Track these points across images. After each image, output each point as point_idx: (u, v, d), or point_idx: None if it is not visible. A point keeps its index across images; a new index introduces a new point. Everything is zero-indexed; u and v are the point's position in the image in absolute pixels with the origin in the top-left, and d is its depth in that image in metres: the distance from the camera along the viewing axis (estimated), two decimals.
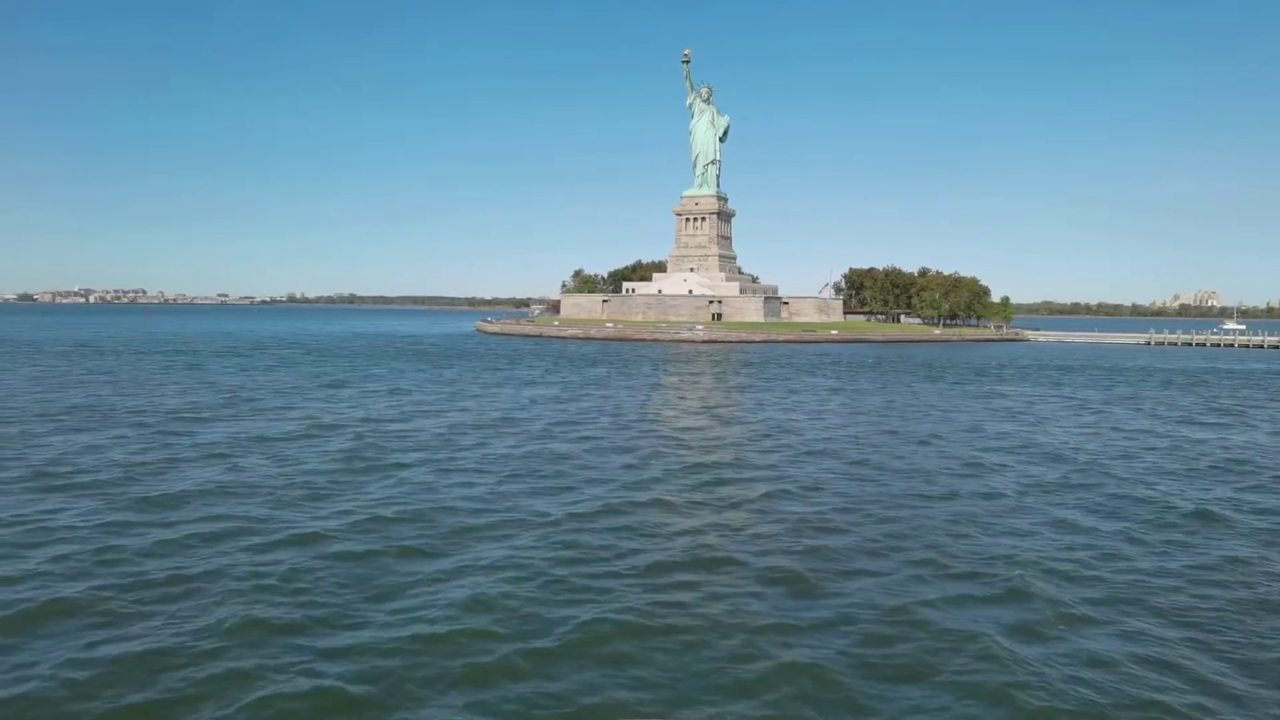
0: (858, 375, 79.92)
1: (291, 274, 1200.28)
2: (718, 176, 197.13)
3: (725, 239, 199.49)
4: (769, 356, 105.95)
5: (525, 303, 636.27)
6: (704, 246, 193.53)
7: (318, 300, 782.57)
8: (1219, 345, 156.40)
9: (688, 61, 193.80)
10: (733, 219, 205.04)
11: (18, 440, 35.34)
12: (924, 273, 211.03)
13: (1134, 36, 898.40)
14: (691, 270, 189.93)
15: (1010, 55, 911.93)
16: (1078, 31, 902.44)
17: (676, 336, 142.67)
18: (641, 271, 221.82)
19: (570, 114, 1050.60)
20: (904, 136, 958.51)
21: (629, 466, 32.37)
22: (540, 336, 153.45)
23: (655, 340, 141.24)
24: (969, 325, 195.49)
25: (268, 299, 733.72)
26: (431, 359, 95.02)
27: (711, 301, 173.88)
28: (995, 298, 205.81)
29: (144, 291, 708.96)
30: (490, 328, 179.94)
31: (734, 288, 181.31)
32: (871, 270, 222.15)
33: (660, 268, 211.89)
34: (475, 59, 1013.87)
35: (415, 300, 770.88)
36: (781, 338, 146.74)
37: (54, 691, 13.29)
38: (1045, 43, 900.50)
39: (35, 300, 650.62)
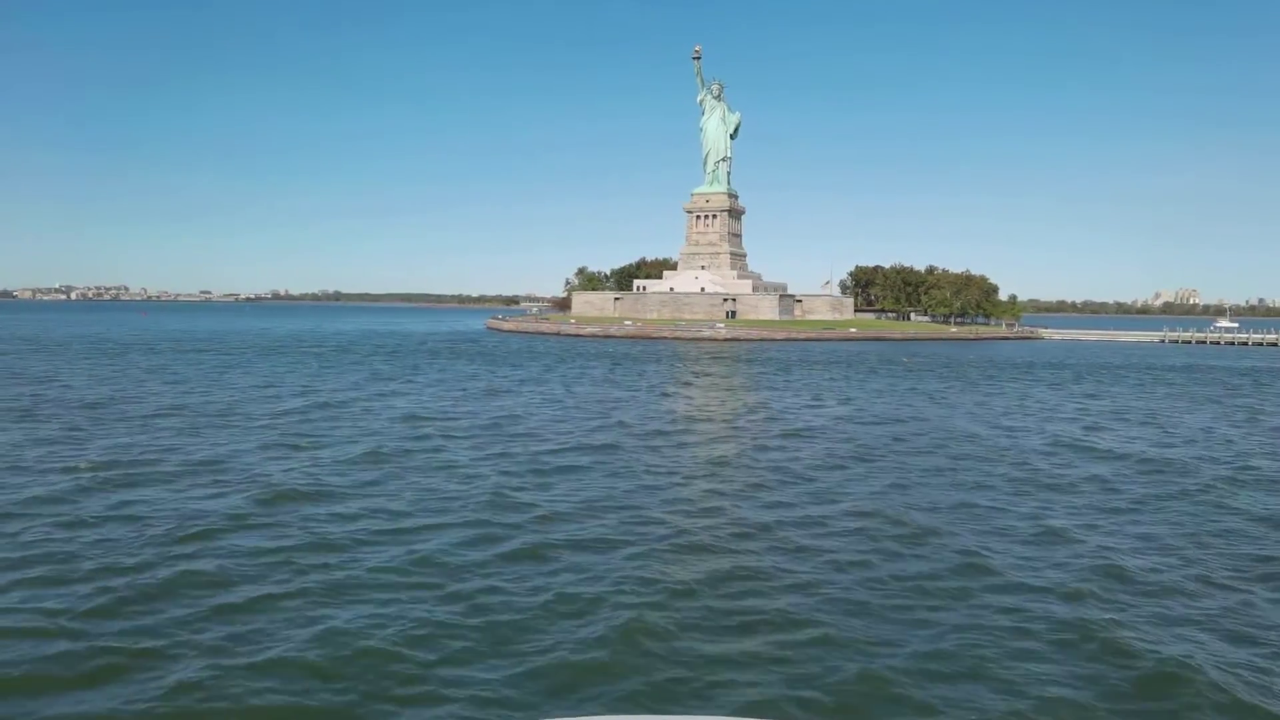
0: (919, 373, 79.44)
1: (275, 271, 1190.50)
2: (728, 174, 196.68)
3: (736, 236, 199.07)
4: (806, 355, 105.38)
5: (514, 300, 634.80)
6: (715, 244, 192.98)
7: (302, 297, 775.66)
8: (1233, 344, 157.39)
9: (698, 58, 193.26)
10: (742, 216, 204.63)
11: (147, 438, 34.02)
12: (931, 270, 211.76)
13: (1117, 33, 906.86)
14: (703, 268, 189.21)
15: (993, 52, 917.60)
16: (1060, 27, 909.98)
17: (698, 335, 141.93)
18: (646, 269, 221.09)
19: (560, 111, 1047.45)
20: (892, 134, 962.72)
21: (794, 468, 31.53)
22: (559, 335, 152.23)
23: (676, 338, 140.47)
24: (978, 323, 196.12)
25: (252, 296, 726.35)
26: (485, 358, 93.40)
27: (726, 299, 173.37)
28: (1001, 296, 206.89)
29: (126, 288, 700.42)
30: (505, 325, 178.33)
31: (746, 285, 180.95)
32: (878, 268, 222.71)
33: (665, 265, 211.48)
34: (464, 56, 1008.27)
35: (401, 298, 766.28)
36: (802, 335, 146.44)
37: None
38: (1025, 40, 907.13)
39: (15, 297, 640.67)
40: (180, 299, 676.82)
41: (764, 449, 35.72)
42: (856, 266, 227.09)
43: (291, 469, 29.13)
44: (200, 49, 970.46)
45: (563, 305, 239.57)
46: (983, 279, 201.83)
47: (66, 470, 28.05)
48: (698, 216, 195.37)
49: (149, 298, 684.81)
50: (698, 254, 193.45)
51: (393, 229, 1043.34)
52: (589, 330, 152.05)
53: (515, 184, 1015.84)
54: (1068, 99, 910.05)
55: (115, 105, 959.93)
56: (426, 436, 36.85)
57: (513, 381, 64.95)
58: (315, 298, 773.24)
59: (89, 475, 27.13)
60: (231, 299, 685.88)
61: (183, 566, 18.26)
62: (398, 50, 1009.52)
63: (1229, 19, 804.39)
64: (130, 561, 18.61)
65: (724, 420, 45.00)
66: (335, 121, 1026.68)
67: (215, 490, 25.80)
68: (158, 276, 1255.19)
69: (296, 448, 33.70)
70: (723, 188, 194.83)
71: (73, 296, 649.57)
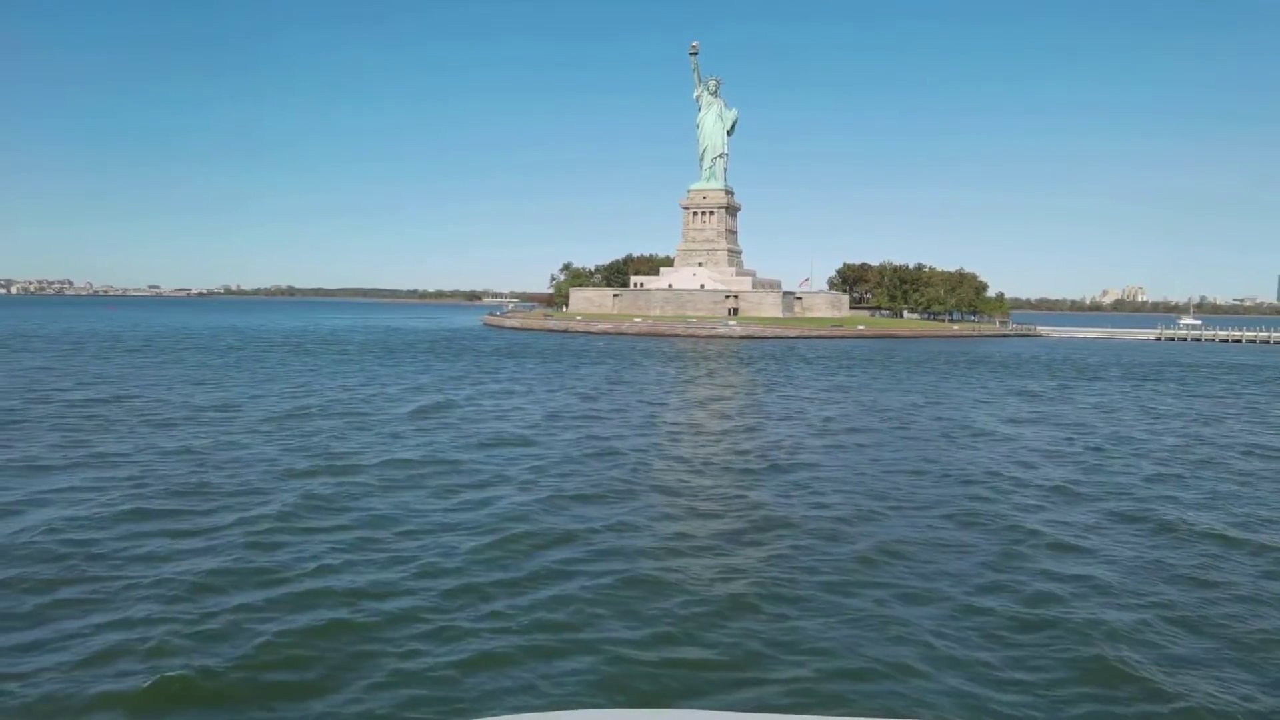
0: (986, 373, 79.11)
1: (224, 265, 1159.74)
2: (725, 170, 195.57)
3: (732, 233, 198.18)
4: (844, 352, 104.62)
5: (475, 295, 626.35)
6: (712, 241, 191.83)
7: (255, 292, 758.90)
8: (1227, 341, 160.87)
9: (695, 54, 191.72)
10: (738, 213, 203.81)
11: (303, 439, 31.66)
12: (921, 268, 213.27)
13: (1073, 26, 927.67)
14: (700, 265, 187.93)
15: (966, 50, 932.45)
16: (1028, 23, 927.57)
17: (713, 332, 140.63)
18: (635, 265, 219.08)
19: (529, 107, 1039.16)
20: (868, 132, 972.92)
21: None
22: (567, 332, 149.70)
23: (690, 335, 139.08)
24: (968, 320, 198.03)
25: (204, 291, 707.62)
26: (533, 356, 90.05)
27: (727, 296, 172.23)
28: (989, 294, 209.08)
29: (70, 282, 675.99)
30: (508, 322, 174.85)
31: (746, 282, 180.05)
32: (865, 265, 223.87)
33: (654, 261, 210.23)
34: (448, 54, 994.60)
35: (356, 293, 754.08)
36: (813, 333, 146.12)
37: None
38: (1001, 37, 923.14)
39: None
40: (129, 294, 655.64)
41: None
42: (844, 264, 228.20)
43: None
44: (152, 45, 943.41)
45: (549, 301, 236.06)
46: (973, 276, 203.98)
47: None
48: (694, 213, 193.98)
49: (95, 292, 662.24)
50: (694, 250, 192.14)
51: (344, 224, 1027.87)
52: (599, 327, 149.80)
53: (472, 181, 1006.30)
54: (1038, 97, 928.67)
55: (59, 100, 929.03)
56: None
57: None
58: (269, 293, 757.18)
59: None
60: (183, 294, 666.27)
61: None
62: (358, 47, 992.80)
63: (1211, 14, 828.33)
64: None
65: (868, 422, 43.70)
66: (296, 117, 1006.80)
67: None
68: (103, 271, 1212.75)
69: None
70: (719, 184, 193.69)
71: (13, 291, 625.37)
